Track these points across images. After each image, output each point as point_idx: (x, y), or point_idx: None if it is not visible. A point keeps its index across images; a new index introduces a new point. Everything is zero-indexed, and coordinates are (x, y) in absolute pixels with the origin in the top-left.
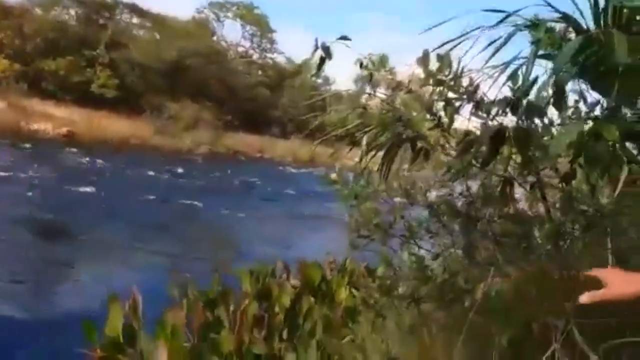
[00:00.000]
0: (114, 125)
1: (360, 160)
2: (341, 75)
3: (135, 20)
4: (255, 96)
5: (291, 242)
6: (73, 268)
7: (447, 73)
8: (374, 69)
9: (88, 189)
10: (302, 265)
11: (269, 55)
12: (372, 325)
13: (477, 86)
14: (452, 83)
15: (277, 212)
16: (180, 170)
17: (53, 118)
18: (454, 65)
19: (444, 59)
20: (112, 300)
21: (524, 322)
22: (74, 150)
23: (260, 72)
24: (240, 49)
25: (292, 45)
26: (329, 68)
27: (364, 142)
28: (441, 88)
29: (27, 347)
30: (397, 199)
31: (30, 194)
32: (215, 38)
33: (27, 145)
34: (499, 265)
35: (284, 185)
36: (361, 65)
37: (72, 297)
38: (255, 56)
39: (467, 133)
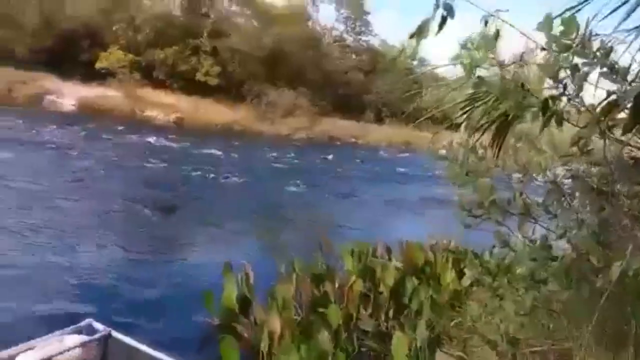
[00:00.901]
0: (218, 112)
1: (471, 135)
2: (437, 57)
3: (234, 8)
4: (349, 81)
5: (393, 224)
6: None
7: (573, 37)
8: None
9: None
10: (404, 247)
11: (362, 38)
12: (485, 307)
13: (611, 49)
14: (579, 47)
15: (385, 194)
16: (289, 154)
17: (163, 106)
18: (581, 29)
19: (569, 22)
20: (227, 272)
21: None
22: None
23: (354, 56)
24: (334, 33)
25: (386, 27)
26: (425, 49)
27: (477, 116)
28: (567, 54)
29: (152, 315)
30: (515, 175)
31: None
32: (310, 23)
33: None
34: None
35: (384, 169)
36: (464, 46)
37: (192, 269)
38: (350, 40)
39: (609, 93)
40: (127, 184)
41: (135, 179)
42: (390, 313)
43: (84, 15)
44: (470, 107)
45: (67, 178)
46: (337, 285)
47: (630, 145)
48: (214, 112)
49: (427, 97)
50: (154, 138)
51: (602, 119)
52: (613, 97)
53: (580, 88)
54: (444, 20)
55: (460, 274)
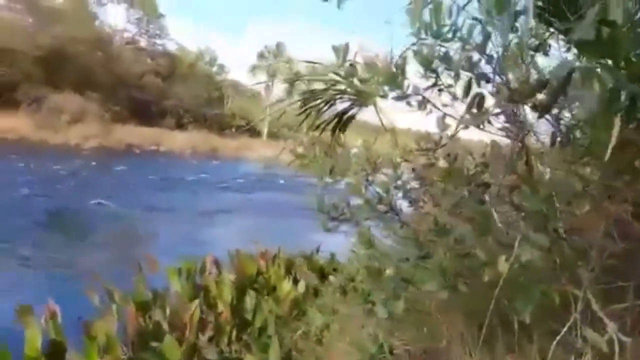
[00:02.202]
0: None
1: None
2: (236, 64)
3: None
4: (145, 85)
5: (214, 235)
6: None
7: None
8: (272, 59)
9: None
10: (234, 258)
11: (158, 41)
12: (334, 313)
13: (489, 35)
14: (451, 34)
15: (196, 205)
16: (61, 168)
17: None
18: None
19: (437, 7)
20: (24, 315)
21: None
22: None
23: (150, 60)
24: (126, 35)
25: (183, 32)
26: (223, 57)
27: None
28: (438, 41)
29: None
30: (380, 174)
31: None
32: (98, 23)
33: None
34: (526, 235)
35: (189, 176)
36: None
37: None
38: (144, 42)
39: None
40: None
41: None
42: (234, 334)
43: None
44: (306, 107)
45: None
46: (168, 312)
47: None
48: None
49: (232, 104)
50: None
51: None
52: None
53: (457, 76)
54: None
55: (295, 280)
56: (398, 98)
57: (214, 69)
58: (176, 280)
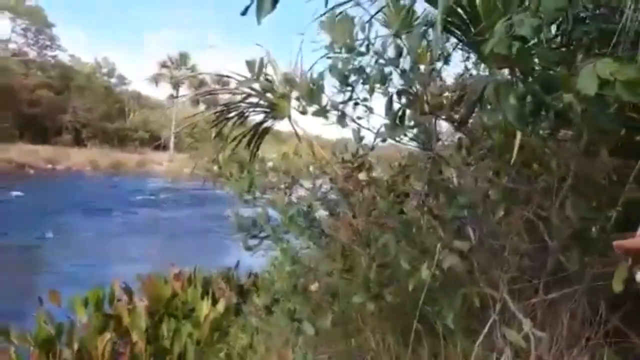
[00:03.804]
0: None
1: (233, 149)
2: (135, 74)
3: None
4: (37, 99)
5: (122, 256)
6: None
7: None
8: (174, 68)
9: None
10: (145, 282)
11: (49, 53)
12: (257, 332)
13: (401, 49)
14: (364, 48)
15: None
16: None
17: None
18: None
19: (345, 22)
20: None
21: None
22: None
23: (40, 73)
24: (12, 46)
25: (75, 43)
26: (123, 68)
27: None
28: (351, 56)
29: None
30: (299, 187)
31: None
32: None
33: None
34: (447, 241)
35: (87, 197)
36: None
37: None
38: (33, 54)
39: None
40: None
41: None
42: None
43: None
44: (221, 118)
45: None
46: (76, 348)
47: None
48: None
49: (134, 117)
50: None
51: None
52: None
53: (372, 90)
54: None
55: (214, 300)
56: (317, 113)
57: (113, 80)
58: (83, 311)
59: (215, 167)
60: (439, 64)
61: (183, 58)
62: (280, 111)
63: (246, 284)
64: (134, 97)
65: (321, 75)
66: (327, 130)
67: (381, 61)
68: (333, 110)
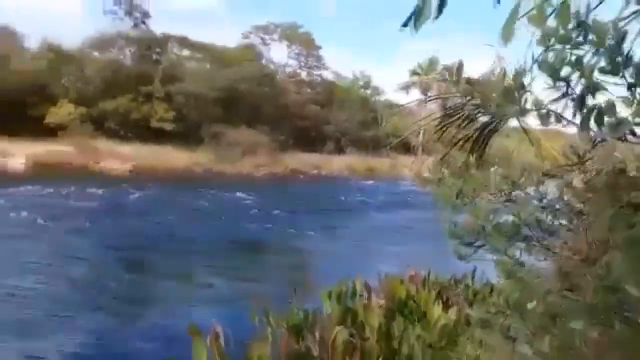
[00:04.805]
0: (176, 157)
1: (447, 153)
2: (388, 84)
3: (185, 52)
4: (306, 114)
5: (369, 257)
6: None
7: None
8: (424, 74)
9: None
10: (383, 282)
11: (316, 72)
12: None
13: (624, 33)
14: (581, 37)
15: (353, 225)
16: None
17: (118, 155)
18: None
19: (563, 10)
20: (193, 332)
21: None
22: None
23: (309, 90)
24: (288, 70)
25: (338, 60)
26: (377, 79)
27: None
28: (567, 47)
29: None
30: (516, 193)
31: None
32: (263, 61)
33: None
34: None
35: (352, 196)
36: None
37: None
38: (303, 74)
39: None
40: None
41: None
42: None
43: (30, 70)
44: (445, 122)
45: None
46: (317, 336)
47: None
48: (172, 157)
49: (386, 124)
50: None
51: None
52: None
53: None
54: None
55: (446, 306)
56: (514, 113)
57: (369, 91)
58: (327, 303)
59: (426, 173)
60: None
61: (432, 64)
62: (502, 113)
63: (481, 292)
64: (387, 106)
65: (522, 71)
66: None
67: (601, 50)
68: (535, 109)
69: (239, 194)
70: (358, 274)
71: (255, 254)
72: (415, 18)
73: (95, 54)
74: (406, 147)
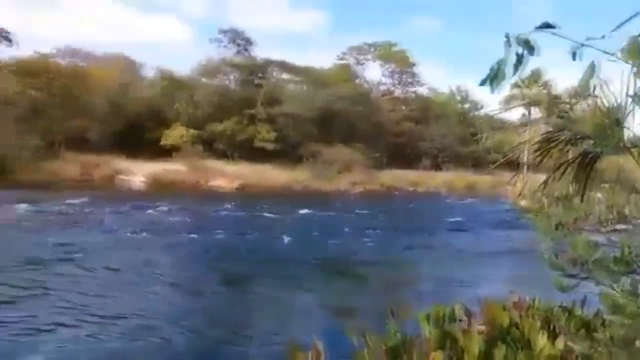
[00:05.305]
0: (278, 175)
1: (546, 181)
2: (489, 98)
3: (285, 76)
4: (401, 131)
5: (471, 280)
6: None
7: None
8: (525, 87)
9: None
10: (485, 307)
11: (410, 89)
12: None
13: None
14: None
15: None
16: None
17: (226, 174)
18: None
19: None
20: (294, 353)
21: None
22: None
23: (404, 107)
24: (382, 87)
25: (434, 75)
26: (476, 93)
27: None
28: None
29: None
30: (617, 226)
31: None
32: (357, 81)
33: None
34: None
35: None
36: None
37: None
38: (398, 92)
39: None
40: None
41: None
42: None
43: (146, 97)
44: (545, 147)
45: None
46: (415, 359)
47: None
48: (273, 175)
49: (487, 140)
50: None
51: None
52: None
53: None
54: (519, 60)
55: (553, 336)
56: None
57: (467, 106)
58: (426, 326)
59: (523, 201)
60: None
61: (534, 76)
62: (609, 141)
63: (593, 323)
64: (487, 121)
65: (617, 108)
66: None
67: None
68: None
69: (331, 213)
70: (457, 299)
71: (349, 273)
72: (492, 79)
73: (204, 80)
74: (510, 164)
